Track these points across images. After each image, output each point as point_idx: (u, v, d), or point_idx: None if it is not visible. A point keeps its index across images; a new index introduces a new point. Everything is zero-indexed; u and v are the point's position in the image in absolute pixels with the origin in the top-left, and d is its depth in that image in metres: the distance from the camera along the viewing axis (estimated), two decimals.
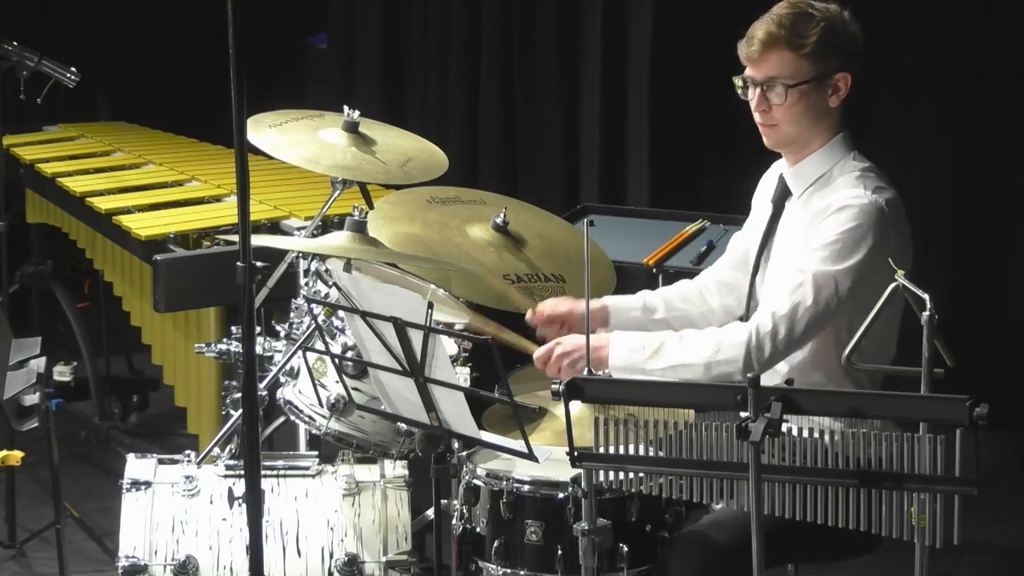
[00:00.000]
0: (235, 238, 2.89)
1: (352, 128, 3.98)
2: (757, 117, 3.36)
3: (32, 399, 4.13)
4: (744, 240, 3.61)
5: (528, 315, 3.56)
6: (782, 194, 3.45)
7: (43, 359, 4.22)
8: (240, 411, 3.71)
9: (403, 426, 3.52)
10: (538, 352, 3.43)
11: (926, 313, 2.76)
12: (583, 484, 3.04)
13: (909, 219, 3.37)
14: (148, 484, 3.55)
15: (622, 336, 3.37)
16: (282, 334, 3.88)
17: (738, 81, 3.36)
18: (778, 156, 3.49)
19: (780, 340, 3.24)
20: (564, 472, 3.25)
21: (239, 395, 3.78)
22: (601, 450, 2.86)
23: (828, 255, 3.24)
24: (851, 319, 3.25)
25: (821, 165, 3.37)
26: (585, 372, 3.16)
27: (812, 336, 3.27)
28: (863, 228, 3.24)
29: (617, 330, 3.48)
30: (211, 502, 3.53)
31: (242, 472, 3.34)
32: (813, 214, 3.32)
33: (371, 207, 3.84)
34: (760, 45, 3.30)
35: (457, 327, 3.63)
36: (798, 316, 3.24)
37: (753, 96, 3.34)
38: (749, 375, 2.64)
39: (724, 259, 3.67)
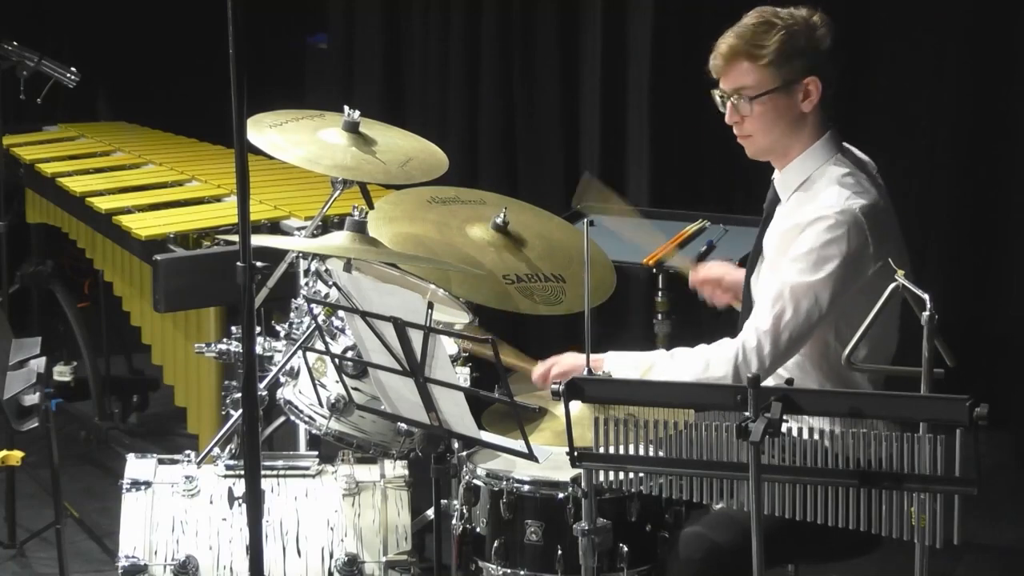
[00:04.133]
0: (235, 238, 2.89)
1: (352, 128, 3.98)
2: (734, 129, 3.38)
3: (32, 399, 4.13)
4: None
5: (691, 276, 3.83)
6: (772, 199, 3.46)
7: (43, 359, 4.22)
8: (240, 411, 3.71)
9: (403, 426, 3.52)
10: (536, 371, 3.45)
11: (926, 313, 2.76)
12: (583, 484, 3.04)
13: (906, 219, 3.37)
14: (148, 484, 3.55)
15: (617, 355, 3.40)
16: (282, 334, 3.88)
17: (715, 94, 3.37)
18: None
19: (766, 355, 3.25)
20: (564, 472, 3.25)
21: (239, 395, 3.78)
22: (601, 450, 2.86)
23: (804, 266, 3.25)
24: (838, 323, 3.26)
25: (803, 170, 3.37)
26: (585, 372, 3.16)
27: (798, 347, 3.29)
28: (837, 237, 3.24)
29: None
30: (211, 502, 3.53)
31: (242, 472, 3.34)
32: (791, 225, 3.32)
33: (371, 207, 3.84)
34: (722, 58, 3.33)
35: (457, 327, 3.63)
36: (780, 329, 3.25)
37: (725, 109, 3.35)
38: (749, 375, 2.64)
39: None
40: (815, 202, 3.30)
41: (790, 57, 3.29)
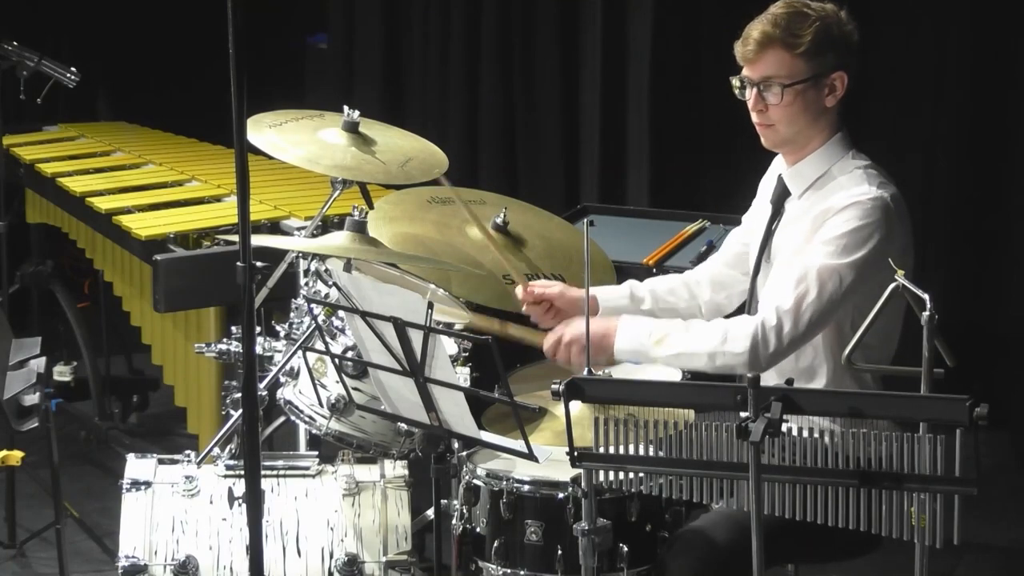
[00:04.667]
0: (235, 238, 2.89)
1: (352, 128, 3.98)
2: (754, 117, 3.37)
3: (32, 399, 4.13)
4: (741, 237, 3.62)
5: (519, 290, 3.55)
6: (781, 194, 3.45)
7: (43, 359, 4.22)
8: (240, 411, 3.71)
9: (403, 426, 3.52)
10: (547, 343, 3.42)
11: (926, 313, 2.76)
12: (583, 484, 3.04)
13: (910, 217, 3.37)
14: (148, 484, 3.55)
15: (629, 321, 3.37)
16: (282, 334, 3.88)
17: (735, 81, 3.37)
18: (776, 154, 3.49)
19: (785, 334, 3.24)
20: (564, 472, 3.25)
21: (239, 395, 3.78)
22: (601, 450, 2.86)
23: (833, 249, 3.25)
24: (855, 314, 3.26)
25: (820, 165, 3.37)
26: (585, 372, 3.16)
27: (817, 331, 3.27)
28: (870, 224, 3.24)
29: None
30: (211, 502, 3.53)
31: (242, 472, 3.34)
32: (816, 213, 3.32)
33: (371, 207, 3.84)
34: (756, 45, 3.31)
35: (457, 327, 3.63)
36: (802, 310, 3.24)
37: (750, 96, 3.35)
38: (749, 375, 2.64)
39: (719, 255, 3.68)
40: (845, 190, 3.29)
41: (823, 49, 3.29)
